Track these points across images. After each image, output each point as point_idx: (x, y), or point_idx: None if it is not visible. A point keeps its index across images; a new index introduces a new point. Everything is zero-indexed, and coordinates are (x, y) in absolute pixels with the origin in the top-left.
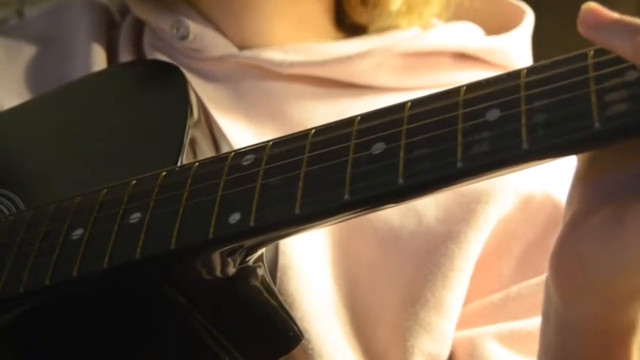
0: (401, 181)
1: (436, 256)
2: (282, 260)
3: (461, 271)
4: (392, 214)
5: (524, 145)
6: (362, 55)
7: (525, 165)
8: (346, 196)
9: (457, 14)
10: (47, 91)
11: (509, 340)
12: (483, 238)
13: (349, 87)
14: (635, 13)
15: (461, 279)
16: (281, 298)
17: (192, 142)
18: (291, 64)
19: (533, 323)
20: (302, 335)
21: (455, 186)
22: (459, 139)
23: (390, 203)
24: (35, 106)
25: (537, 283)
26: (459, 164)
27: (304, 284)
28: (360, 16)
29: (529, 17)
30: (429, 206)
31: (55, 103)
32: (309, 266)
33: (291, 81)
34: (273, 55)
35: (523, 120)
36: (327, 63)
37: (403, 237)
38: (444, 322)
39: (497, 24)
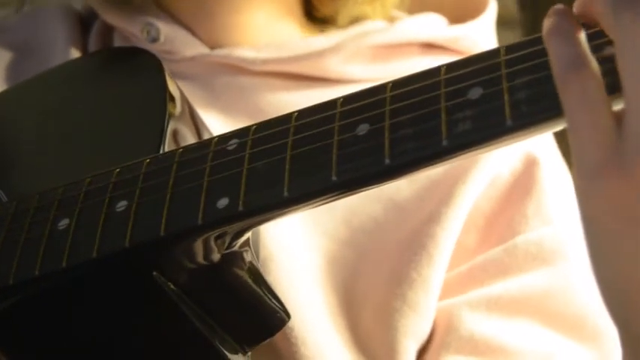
0: (387, 161)
1: (419, 237)
2: (262, 253)
3: (443, 249)
4: (377, 211)
5: (509, 122)
6: (333, 50)
7: (510, 141)
8: (334, 178)
9: (421, 5)
10: (23, 81)
11: (479, 305)
12: (462, 216)
13: (322, 81)
14: None
15: (443, 257)
16: (268, 282)
17: (176, 134)
18: (264, 61)
19: (501, 287)
20: (288, 317)
21: (440, 164)
22: (443, 117)
23: (377, 183)
24: (13, 96)
25: (501, 249)
26: (444, 142)
27: (284, 274)
28: (326, 6)
29: (492, 4)
30: (411, 199)
31: (32, 93)
32: (291, 256)
33: (264, 77)
34: (245, 53)
35: (506, 97)
36: (299, 59)
37: (388, 228)
38: (429, 300)
39: (460, 13)
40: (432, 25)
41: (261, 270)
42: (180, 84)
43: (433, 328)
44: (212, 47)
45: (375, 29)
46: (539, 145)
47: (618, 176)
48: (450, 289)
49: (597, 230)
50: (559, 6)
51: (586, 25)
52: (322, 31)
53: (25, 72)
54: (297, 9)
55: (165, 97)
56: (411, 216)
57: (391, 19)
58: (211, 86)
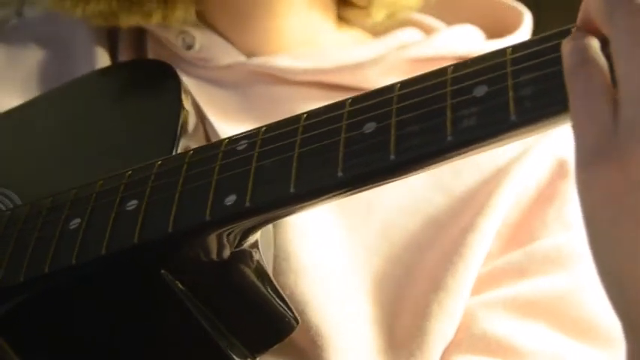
0: (393, 157)
1: (455, 246)
2: (294, 264)
3: (478, 256)
4: (414, 226)
5: (513, 118)
6: (373, 62)
7: (515, 137)
8: (340, 174)
9: (457, 17)
10: (44, 92)
11: (496, 305)
12: (496, 225)
13: (358, 91)
14: None
15: (476, 263)
16: (277, 285)
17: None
18: (302, 71)
19: (518, 288)
20: (297, 322)
21: (446, 160)
22: (448, 114)
23: (383, 180)
24: (32, 106)
25: (521, 252)
26: (449, 138)
27: (317, 285)
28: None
29: (527, 19)
30: (448, 214)
31: (51, 103)
32: (324, 267)
33: (300, 86)
34: (283, 62)
35: (510, 93)
36: (338, 70)
37: (427, 243)
38: (459, 304)
39: (496, 26)
40: (469, 39)
41: (293, 281)
42: (213, 90)
43: None
44: (248, 55)
45: (414, 42)
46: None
47: (612, 164)
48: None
49: (593, 220)
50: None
51: None
52: (354, 27)
53: (49, 67)
54: (331, 9)
55: (179, 112)
56: (449, 230)
57: (428, 30)
58: (247, 95)
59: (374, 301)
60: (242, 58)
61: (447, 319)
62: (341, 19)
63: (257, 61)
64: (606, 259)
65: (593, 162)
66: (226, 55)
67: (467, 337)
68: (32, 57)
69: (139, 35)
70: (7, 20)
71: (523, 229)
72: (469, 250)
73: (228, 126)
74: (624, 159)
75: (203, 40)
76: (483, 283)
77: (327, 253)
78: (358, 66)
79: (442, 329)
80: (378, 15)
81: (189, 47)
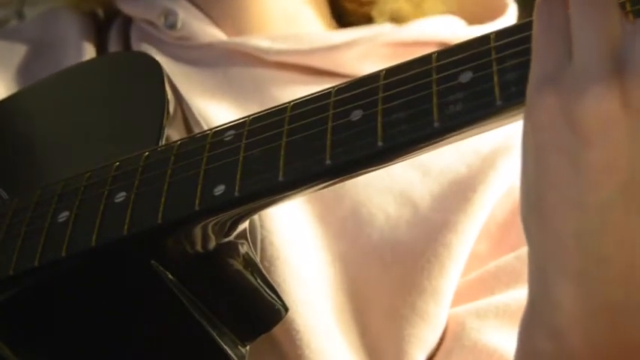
0: (380, 143)
1: (434, 245)
2: (270, 251)
3: (458, 259)
4: (388, 203)
5: (498, 102)
6: (348, 45)
7: (501, 122)
8: (328, 161)
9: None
10: (28, 85)
11: (487, 314)
12: (479, 225)
13: (335, 76)
14: None
15: (457, 267)
16: (266, 274)
17: (169, 138)
18: (278, 52)
19: (511, 295)
20: (286, 310)
21: (433, 146)
22: (435, 100)
23: (371, 166)
24: (15, 100)
25: (513, 256)
26: (436, 124)
27: (292, 274)
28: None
29: (512, 9)
30: (425, 196)
31: (35, 97)
32: (299, 255)
33: (279, 68)
34: (260, 42)
35: (495, 79)
36: (313, 51)
37: (400, 226)
38: (439, 310)
39: (480, 17)
40: (448, 25)
41: (267, 267)
42: (193, 70)
43: (442, 337)
44: (229, 35)
45: (392, 28)
46: None
47: (557, 95)
48: (460, 296)
49: (526, 143)
50: None
51: None
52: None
53: (37, 70)
54: (324, 6)
55: (164, 103)
56: (426, 219)
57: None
58: (226, 75)
59: (340, 289)
60: (222, 37)
61: (424, 325)
62: (342, 22)
63: (237, 40)
64: (528, 183)
65: (541, 88)
66: (207, 33)
67: (457, 347)
68: (23, 61)
69: (126, 28)
70: (7, 20)
71: (513, 229)
72: (447, 251)
73: (207, 105)
74: (568, 96)
75: (185, 16)
76: (474, 290)
77: (298, 238)
78: (332, 48)
79: (417, 335)
80: (380, 18)
81: (172, 27)
